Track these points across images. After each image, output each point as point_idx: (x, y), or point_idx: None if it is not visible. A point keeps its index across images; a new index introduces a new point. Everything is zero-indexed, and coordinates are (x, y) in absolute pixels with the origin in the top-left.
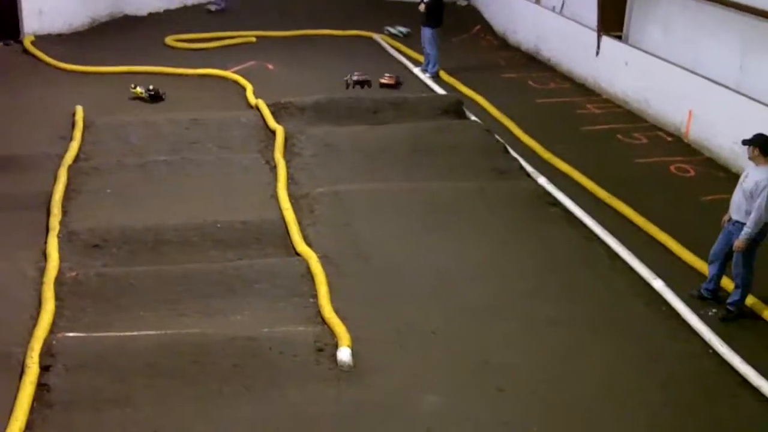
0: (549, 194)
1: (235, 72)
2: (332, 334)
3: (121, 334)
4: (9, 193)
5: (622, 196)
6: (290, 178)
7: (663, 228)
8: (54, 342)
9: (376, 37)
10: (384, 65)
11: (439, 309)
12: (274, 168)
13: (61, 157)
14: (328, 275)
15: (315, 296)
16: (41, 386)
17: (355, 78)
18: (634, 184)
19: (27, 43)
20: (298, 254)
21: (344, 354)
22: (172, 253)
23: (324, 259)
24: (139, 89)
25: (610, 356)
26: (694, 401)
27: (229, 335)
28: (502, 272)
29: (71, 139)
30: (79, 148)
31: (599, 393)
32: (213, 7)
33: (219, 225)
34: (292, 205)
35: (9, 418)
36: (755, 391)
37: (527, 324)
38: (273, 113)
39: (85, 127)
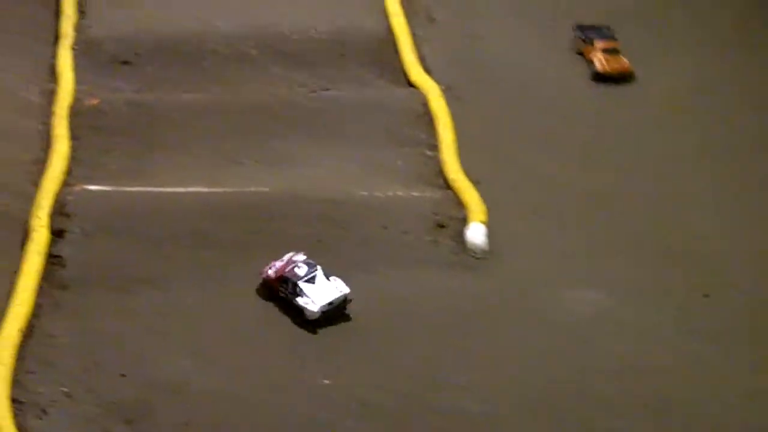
0: None
1: None
2: (459, 203)
3: (158, 189)
4: None
5: None
6: None
7: None
8: (69, 197)
9: None
10: None
11: (610, 164)
12: None
13: None
14: (454, 117)
15: (435, 147)
16: (52, 258)
17: None
18: None
19: None
20: (410, 84)
21: (476, 232)
22: (227, 76)
23: (448, 93)
24: None
25: None
26: None
27: (307, 196)
28: (704, 112)
29: None
30: None
31: None
32: None
33: (294, 36)
34: (403, 7)
35: (9, 302)
36: None
37: (735, 185)
38: None
39: None
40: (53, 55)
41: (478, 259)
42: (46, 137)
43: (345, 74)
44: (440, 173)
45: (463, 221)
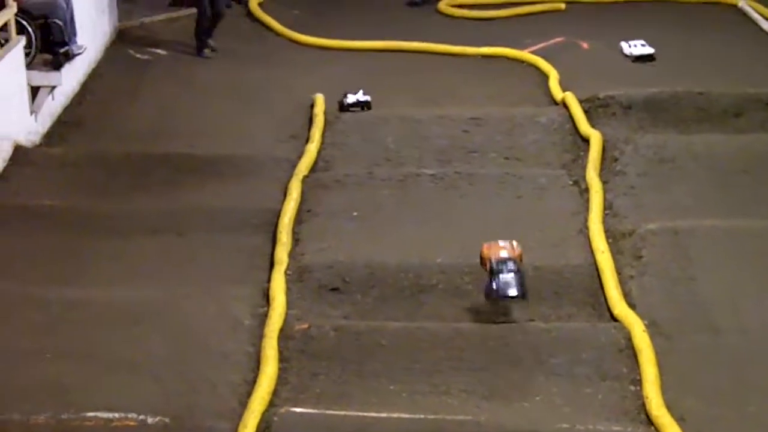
0: None
1: (534, 52)
2: None
3: (361, 414)
4: (222, 209)
5: None
6: (608, 208)
7: None
8: (275, 419)
9: (743, 4)
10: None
11: None
12: (584, 191)
13: (294, 163)
14: (657, 352)
15: (638, 382)
16: None
17: None
18: None
19: (253, 4)
20: (614, 319)
21: None
22: (437, 305)
23: (653, 328)
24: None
25: None
26: None
27: (510, 428)
28: None
29: (307, 139)
30: (318, 153)
31: None
32: None
33: None
34: (610, 246)
35: None
36: None
37: None
38: (586, 112)
39: (326, 123)
40: (268, 280)
41: None
42: (256, 359)
43: (552, 308)
44: (643, 409)
45: None
